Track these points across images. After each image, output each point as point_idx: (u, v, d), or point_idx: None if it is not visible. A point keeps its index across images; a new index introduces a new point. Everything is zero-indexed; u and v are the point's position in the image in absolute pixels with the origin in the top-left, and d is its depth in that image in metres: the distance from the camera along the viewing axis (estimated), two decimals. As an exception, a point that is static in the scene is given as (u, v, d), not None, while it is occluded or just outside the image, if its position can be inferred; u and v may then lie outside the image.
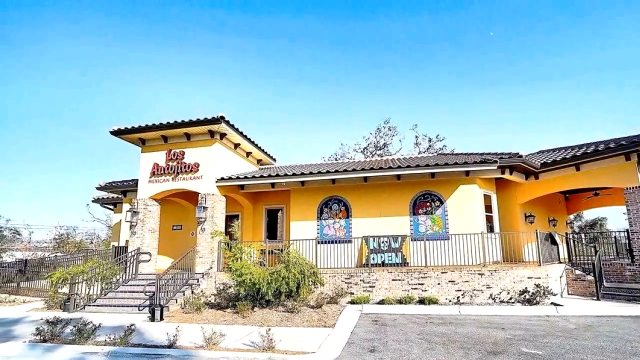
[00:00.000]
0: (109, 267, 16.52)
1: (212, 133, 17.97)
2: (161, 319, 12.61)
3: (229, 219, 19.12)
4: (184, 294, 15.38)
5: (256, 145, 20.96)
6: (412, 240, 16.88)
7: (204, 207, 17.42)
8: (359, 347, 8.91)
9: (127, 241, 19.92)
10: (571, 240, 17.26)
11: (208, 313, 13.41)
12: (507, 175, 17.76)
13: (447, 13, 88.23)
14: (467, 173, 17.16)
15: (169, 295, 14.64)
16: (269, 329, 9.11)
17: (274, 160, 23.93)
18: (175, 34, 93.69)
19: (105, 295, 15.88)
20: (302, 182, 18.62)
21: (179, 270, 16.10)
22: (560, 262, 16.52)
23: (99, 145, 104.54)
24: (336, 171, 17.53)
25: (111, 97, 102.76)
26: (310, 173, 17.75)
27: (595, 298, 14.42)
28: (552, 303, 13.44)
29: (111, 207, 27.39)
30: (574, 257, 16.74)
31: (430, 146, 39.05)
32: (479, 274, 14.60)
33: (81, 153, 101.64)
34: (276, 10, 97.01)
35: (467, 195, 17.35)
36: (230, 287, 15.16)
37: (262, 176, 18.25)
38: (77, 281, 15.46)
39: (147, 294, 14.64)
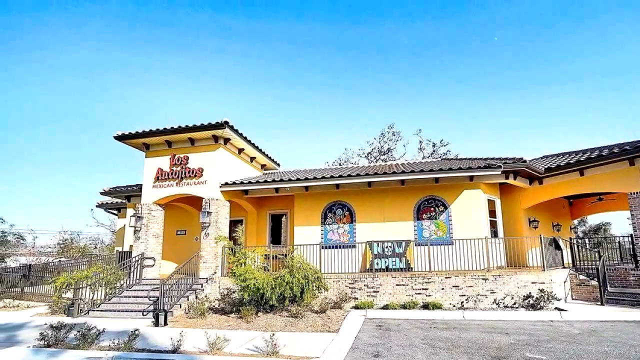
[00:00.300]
0: (113, 272, 16.55)
1: (216, 138, 18.00)
2: (165, 324, 12.62)
3: (233, 224, 19.14)
4: (187, 299, 15.38)
5: (260, 150, 20.99)
6: (416, 245, 16.86)
7: (208, 212, 17.43)
8: (363, 352, 8.91)
9: (131, 246, 19.94)
10: (575, 245, 17.22)
11: (212, 318, 13.42)
12: (511, 180, 17.76)
13: (450, 18, 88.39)
14: (471, 178, 17.16)
15: (173, 300, 14.64)
16: (273, 334, 9.11)
17: (278, 165, 23.93)
18: (179, 39, 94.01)
19: (109, 300, 15.91)
20: (306, 187, 18.63)
21: (183, 275, 16.10)
22: (564, 267, 16.49)
23: (103, 151, 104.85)
24: (340, 176, 17.51)
25: (115, 103, 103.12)
26: (314, 178, 17.75)
27: (599, 303, 14.38)
28: (556, 308, 13.42)
29: (115, 212, 27.41)
30: (578, 262, 16.69)
31: (434, 151, 39.05)
32: (483, 279, 14.58)
33: (85, 158, 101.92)
34: (280, 15, 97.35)
35: (471, 200, 17.35)
36: (234, 292, 15.17)
37: (266, 181, 18.27)
38: (81, 286, 15.46)
39: (151, 299, 14.65)
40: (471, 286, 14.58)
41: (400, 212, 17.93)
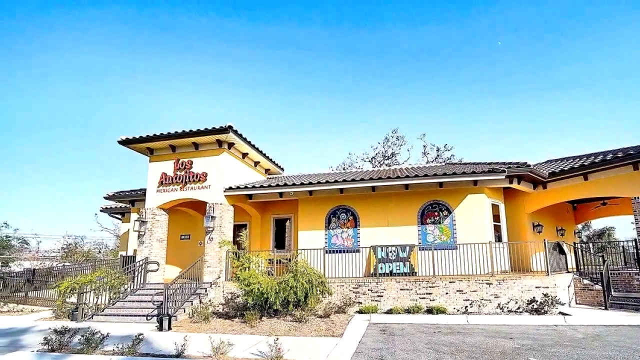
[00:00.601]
0: (117, 276, 16.58)
1: (220, 142, 18.03)
2: (169, 328, 12.64)
3: (237, 228, 19.12)
4: (192, 304, 15.41)
5: (264, 155, 21.02)
6: (420, 249, 16.87)
7: (212, 217, 17.46)
8: (367, 357, 8.90)
9: (135, 251, 19.98)
10: (579, 250, 17.18)
11: (216, 322, 13.43)
12: (515, 185, 17.75)
13: (455, 23, 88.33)
14: (475, 182, 17.16)
15: (177, 305, 14.66)
16: (277, 339, 9.12)
17: (282, 169, 23.97)
18: (183, 43, 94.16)
19: (113, 304, 15.94)
20: (310, 192, 18.64)
21: (187, 279, 16.12)
22: (568, 272, 16.48)
23: (107, 155, 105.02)
24: (344, 181, 17.55)
25: (119, 107, 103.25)
26: (319, 183, 17.77)
27: (603, 307, 14.37)
28: (560, 312, 13.41)
29: (119, 216, 27.49)
30: (582, 267, 16.65)
31: (438, 156, 39.02)
32: (487, 283, 14.57)
33: (89, 163, 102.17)
34: (284, 20, 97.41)
35: (475, 205, 17.34)
36: (238, 297, 15.18)
37: (270, 186, 18.30)
38: (85, 291, 15.51)
39: (155, 303, 14.68)
40: (475, 291, 14.57)
41: (404, 217, 17.93)
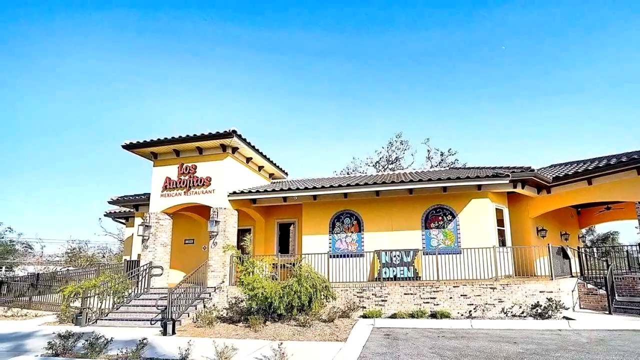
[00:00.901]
0: (121, 281, 16.59)
1: (224, 147, 18.07)
2: (173, 333, 12.64)
3: (241, 232, 19.16)
4: (196, 308, 15.41)
5: (268, 159, 21.05)
6: (424, 254, 16.87)
7: (216, 221, 17.48)
8: (372, 361, 8.91)
9: (139, 255, 19.99)
10: (583, 254, 17.15)
11: (220, 327, 13.43)
12: (519, 189, 17.75)
13: (458, 27, 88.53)
14: (479, 187, 17.15)
15: (181, 309, 14.65)
16: (281, 343, 9.10)
17: (286, 174, 23.97)
18: (187, 48, 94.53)
19: (117, 309, 15.95)
20: (314, 196, 18.65)
21: (191, 284, 16.11)
22: (572, 276, 16.45)
23: (111, 160, 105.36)
24: (348, 185, 17.54)
25: (123, 111, 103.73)
26: (322, 187, 17.79)
27: (607, 312, 14.35)
28: (564, 317, 13.37)
29: (123, 221, 27.49)
30: (586, 271, 16.61)
31: (442, 160, 39.03)
32: (491, 287, 14.55)
33: (93, 167, 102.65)
34: (288, 24, 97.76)
35: (479, 209, 17.34)
36: (242, 301, 15.18)
37: (274, 190, 18.32)
38: (89, 295, 15.51)
39: (159, 307, 14.67)
40: (479, 295, 14.56)
41: (409, 221, 17.93)
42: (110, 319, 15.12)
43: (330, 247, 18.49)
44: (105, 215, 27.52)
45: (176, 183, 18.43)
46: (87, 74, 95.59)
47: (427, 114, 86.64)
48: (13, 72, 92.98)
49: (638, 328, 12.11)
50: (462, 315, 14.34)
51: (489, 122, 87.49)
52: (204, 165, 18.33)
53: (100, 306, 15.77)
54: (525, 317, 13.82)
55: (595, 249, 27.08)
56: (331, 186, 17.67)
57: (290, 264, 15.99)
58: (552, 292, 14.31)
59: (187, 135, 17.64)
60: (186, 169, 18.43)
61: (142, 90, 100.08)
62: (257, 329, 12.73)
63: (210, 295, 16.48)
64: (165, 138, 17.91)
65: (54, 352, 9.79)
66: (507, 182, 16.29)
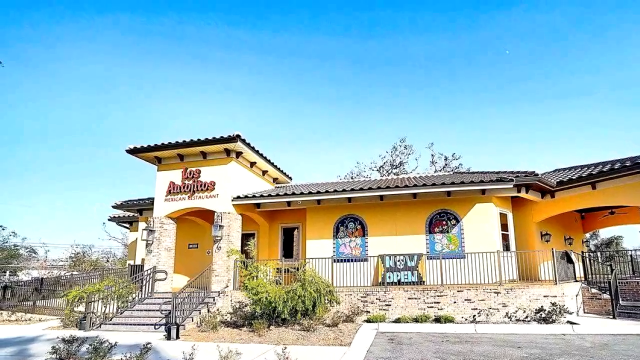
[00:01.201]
0: (125, 285, 16.64)
1: (228, 151, 18.11)
2: (177, 337, 12.67)
3: (245, 237, 19.14)
4: (200, 313, 15.43)
5: (272, 164, 21.09)
6: (428, 258, 16.87)
7: (220, 226, 17.50)
8: (376, 366, 8.91)
9: (143, 259, 20.03)
10: (587, 259, 17.14)
11: (224, 331, 13.44)
12: (523, 194, 17.74)
13: (462, 32, 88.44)
14: (483, 191, 17.15)
15: (185, 314, 14.68)
16: (285, 348, 9.10)
17: (290, 178, 24.01)
18: (191, 52, 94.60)
19: (121, 313, 15.98)
20: (318, 201, 18.65)
21: (195, 288, 16.15)
22: (577, 281, 16.43)
23: (115, 164, 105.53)
24: (352, 190, 17.56)
25: (126, 116, 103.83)
26: (327, 191, 17.80)
27: (611, 316, 14.33)
28: (568, 321, 13.35)
29: (127, 225, 27.57)
30: (590, 276, 16.59)
31: (446, 165, 39.03)
32: (495, 292, 14.54)
33: (97, 172, 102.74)
34: (292, 29, 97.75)
35: (483, 214, 17.33)
36: (246, 306, 15.19)
37: (278, 195, 18.35)
38: (93, 300, 15.54)
39: (163, 312, 14.71)
40: (483, 300, 14.54)
41: (412, 226, 17.93)
42: (114, 324, 15.14)
43: (334, 251, 18.49)
44: (109, 220, 27.61)
45: (180, 187, 18.47)
46: (91, 79, 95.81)
47: (431, 118, 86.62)
48: (17, 77, 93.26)
49: (642, 332, 12.10)
50: (466, 319, 14.32)
51: (492, 127, 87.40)
52: (208, 169, 18.37)
53: (104, 311, 15.80)
54: (529, 321, 13.80)
55: (599, 254, 27.13)
56: (335, 191, 17.69)
57: (294, 268, 15.97)
58: (556, 296, 14.29)
59: (192, 140, 17.68)
60: (190, 173, 18.46)
61: (146, 94, 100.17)
62: (261, 334, 12.74)
63: (214, 300, 16.50)
64: (170, 142, 17.95)
65: (58, 356, 9.80)
66: (511, 186, 16.28)
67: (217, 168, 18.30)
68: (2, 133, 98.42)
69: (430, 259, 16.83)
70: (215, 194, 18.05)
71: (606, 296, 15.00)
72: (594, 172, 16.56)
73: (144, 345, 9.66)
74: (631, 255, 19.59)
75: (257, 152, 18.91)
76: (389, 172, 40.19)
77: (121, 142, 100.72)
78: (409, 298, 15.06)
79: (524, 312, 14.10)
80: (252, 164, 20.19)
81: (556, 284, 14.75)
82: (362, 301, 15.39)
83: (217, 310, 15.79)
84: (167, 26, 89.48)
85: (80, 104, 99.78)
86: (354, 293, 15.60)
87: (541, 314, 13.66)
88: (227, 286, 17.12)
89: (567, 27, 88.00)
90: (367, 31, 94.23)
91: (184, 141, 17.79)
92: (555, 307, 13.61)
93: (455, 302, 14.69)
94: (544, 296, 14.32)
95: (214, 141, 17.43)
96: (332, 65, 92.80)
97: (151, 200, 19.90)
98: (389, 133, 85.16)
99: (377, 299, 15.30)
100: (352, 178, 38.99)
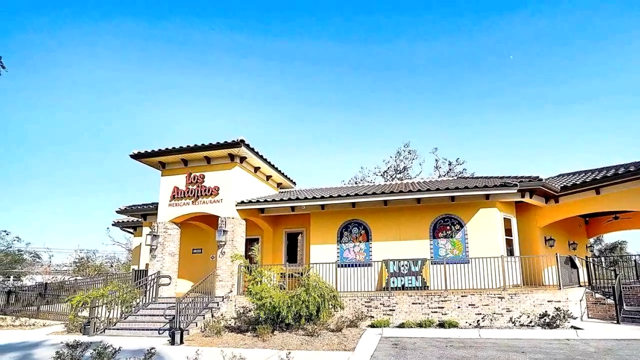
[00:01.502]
0: (129, 290, 16.66)
1: (232, 156, 18.15)
2: (181, 342, 12.68)
3: (249, 242, 19.18)
4: (204, 318, 15.43)
5: (276, 169, 21.12)
6: (432, 263, 16.85)
7: (224, 231, 17.52)
8: (380, 371, 8.91)
9: (147, 264, 20.04)
10: (591, 264, 17.13)
11: (228, 336, 13.46)
12: (527, 199, 17.74)
13: (466, 36, 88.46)
14: (487, 196, 17.13)
15: (189, 319, 14.68)
16: (289, 353, 9.11)
17: (294, 183, 24.02)
18: (194, 57, 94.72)
19: (125, 318, 15.99)
20: (322, 206, 18.66)
21: (199, 293, 16.16)
22: (580, 286, 16.41)
23: (119, 169, 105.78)
24: (356, 195, 17.58)
25: (130, 121, 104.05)
26: (330, 197, 17.84)
27: (615, 321, 14.31)
28: (572, 326, 13.33)
29: (131, 230, 27.58)
30: (594, 281, 16.58)
31: (450, 170, 38.96)
32: (499, 297, 14.53)
33: (101, 177, 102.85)
34: (295, 33, 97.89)
35: (487, 219, 17.31)
36: (250, 311, 15.21)
37: (282, 200, 18.36)
38: (97, 304, 15.57)
39: (167, 317, 14.72)
40: (487, 305, 14.53)
41: (416, 231, 17.93)
42: (118, 329, 15.16)
43: (338, 256, 18.49)
44: (113, 225, 27.60)
45: (184, 192, 18.50)
46: (95, 84, 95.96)
47: (434, 123, 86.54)
48: (21, 82, 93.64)
49: (647, 338, 12.07)
50: (470, 324, 14.30)
51: (496, 132, 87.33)
52: (212, 174, 18.39)
53: (108, 316, 15.83)
54: (533, 326, 13.78)
55: (603, 259, 27.04)
56: (339, 196, 17.72)
57: (298, 273, 16.01)
58: (560, 301, 14.28)
59: (195, 145, 17.72)
60: (194, 178, 18.49)
61: (150, 99, 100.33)
62: (265, 339, 12.76)
63: (218, 305, 16.51)
64: (174, 147, 17.99)
65: (62, 361, 9.83)
66: (515, 191, 16.27)
67: (221, 173, 18.33)
68: (6, 138, 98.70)
69: (434, 264, 16.82)
70: (219, 199, 18.07)
71: (610, 301, 14.98)
72: (598, 177, 16.55)
73: (148, 350, 9.66)
74: (635, 260, 19.51)
75: (261, 157, 18.94)
76: (393, 177, 40.15)
77: (125, 147, 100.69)
78: (413, 303, 15.06)
79: (528, 317, 14.08)
80: (256, 169, 20.22)
81: (560, 289, 14.75)
82: (366, 306, 15.39)
83: (221, 315, 15.80)
84: (171, 31, 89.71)
85: (84, 108, 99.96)
86: (358, 298, 15.60)
87: (545, 319, 13.64)
88: (231, 291, 17.13)
89: (570, 31, 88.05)
90: (370, 36, 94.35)
91: (188, 146, 17.83)
92: (559, 312, 13.59)
93: (459, 307, 14.69)
94: (548, 301, 14.31)
95: (218, 146, 17.46)
96: (335, 70, 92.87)
97: (155, 205, 19.93)
98: (393, 138, 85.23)
99: (381, 304, 15.30)
100: (356, 183, 38.94)
